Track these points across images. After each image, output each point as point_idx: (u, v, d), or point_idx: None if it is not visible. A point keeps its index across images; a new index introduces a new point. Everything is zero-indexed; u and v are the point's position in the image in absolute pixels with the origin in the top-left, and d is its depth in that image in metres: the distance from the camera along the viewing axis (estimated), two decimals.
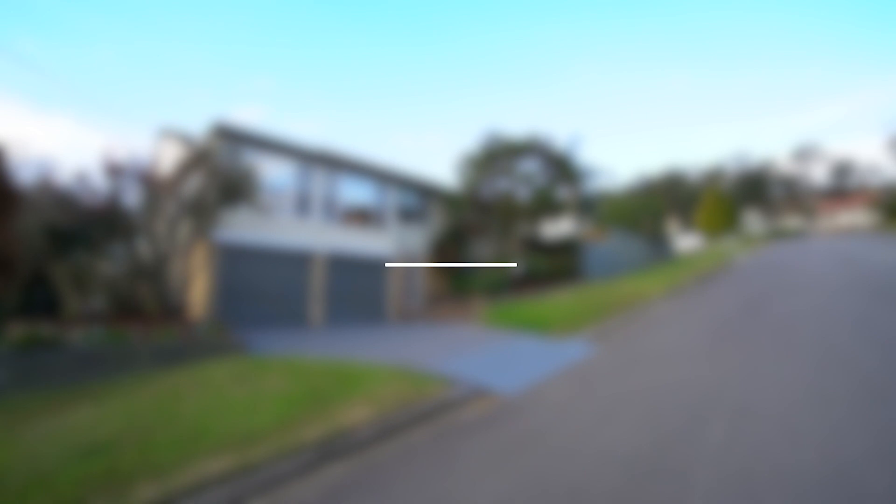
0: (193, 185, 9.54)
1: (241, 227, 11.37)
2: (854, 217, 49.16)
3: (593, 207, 21.19)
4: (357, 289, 14.06)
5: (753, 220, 55.54)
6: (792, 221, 56.01)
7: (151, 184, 8.76)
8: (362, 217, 14.92)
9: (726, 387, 5.05)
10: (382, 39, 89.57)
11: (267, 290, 12.01)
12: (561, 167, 17.72)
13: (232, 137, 11.47)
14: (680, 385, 5.31)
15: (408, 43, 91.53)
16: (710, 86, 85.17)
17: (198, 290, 10.86)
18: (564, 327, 9.70)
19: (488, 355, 7.90)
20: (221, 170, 9.59)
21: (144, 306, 8.83)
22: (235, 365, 6.82)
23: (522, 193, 17.42)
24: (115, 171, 8.31)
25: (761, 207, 57.31)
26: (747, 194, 54.88)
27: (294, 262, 12.68)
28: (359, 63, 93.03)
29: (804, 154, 61.01)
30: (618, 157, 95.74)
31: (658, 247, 23.69)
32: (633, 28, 78.74)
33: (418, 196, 17.01)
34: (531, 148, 17.20)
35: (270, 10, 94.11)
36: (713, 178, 55.89)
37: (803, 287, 11.72)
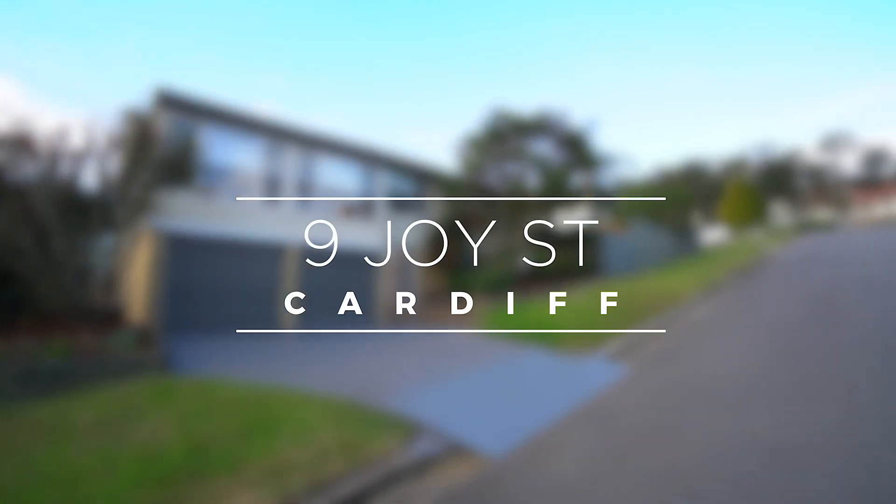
0: (119, 162, 7.74)
1: (192, 215, 9.58)
2: (892, 208, 45.70)
3: (612, 197, 18.96)
4: (338, 287, 12.18)
5: (780, 213, 52.21)
6: (821, 213, 52.46)
7: (57, 158, 6.99)
8: (346, 205, 13.03)
9: (867, 468, 2.96)
10: (395, 33, 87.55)
11: (228, 288, 10.22)
12: (576, 149, 15.55)
13: (180, 108, 9.65)
14: (774, 452, 3.27)
15: (421, 37, 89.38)
16: (729, 80, 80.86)
17: (137, 289, 9.12)
18: (581, 336, 7.67)
19: (480, 380, 5.96)
20: (152, 144, 7.77)
21: (55, 309, 7.09)
22: (129, 394, 5.00)
23: (532, 179, 15.31)
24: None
25: (787, 199, 53.81)
26: (772, 186, 51.43)
27: (262, 257, 10.85)
28: (372, 58, 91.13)
29: (833, 143, 57.10)
30: (635, 152, 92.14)
31: (684, 239, 21.36)
32: (650, 20, 75.24)
33: (414, 182, 15.05)
34: (542, 126, 15.05)
35: (281, 7, 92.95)
36: (735, 170, 52.54)
37: (879, 284, 9.48)
